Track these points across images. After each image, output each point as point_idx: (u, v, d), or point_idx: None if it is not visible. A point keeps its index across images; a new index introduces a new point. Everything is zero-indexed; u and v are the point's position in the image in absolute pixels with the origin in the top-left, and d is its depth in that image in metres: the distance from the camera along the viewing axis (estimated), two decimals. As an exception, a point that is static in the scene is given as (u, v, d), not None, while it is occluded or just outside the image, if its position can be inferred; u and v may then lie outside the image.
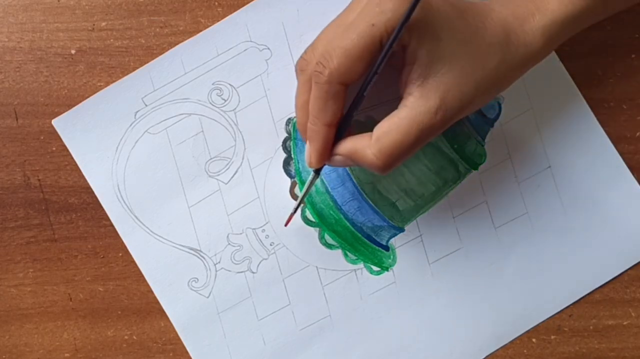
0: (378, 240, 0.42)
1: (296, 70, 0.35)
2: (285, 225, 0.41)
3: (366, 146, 0.32)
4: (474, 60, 0.32)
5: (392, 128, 0.32)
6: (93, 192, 0.42)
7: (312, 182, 0.36)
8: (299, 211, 0.41)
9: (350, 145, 0.33)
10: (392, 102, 0.33)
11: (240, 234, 0.42)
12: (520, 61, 0.33)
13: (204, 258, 0.42)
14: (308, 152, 0.34)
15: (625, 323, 0.42)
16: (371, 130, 0.33)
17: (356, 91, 0.33)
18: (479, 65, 0.32)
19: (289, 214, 0.39)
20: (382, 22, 0.30)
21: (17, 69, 0.41)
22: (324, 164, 0.35)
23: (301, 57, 0.34)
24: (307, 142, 0.34)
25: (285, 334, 0.42)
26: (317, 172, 0.36)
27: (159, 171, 0.41)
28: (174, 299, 0.42)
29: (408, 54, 0.32)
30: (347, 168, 0.41)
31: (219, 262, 0.42)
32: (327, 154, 0.34)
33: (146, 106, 0.41)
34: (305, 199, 0.41)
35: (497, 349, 0.42)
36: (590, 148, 0.42)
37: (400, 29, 0.30)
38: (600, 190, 0.42)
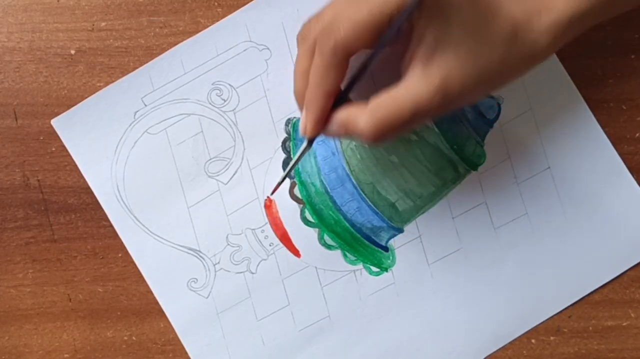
0: (377, 241, 0.41)
1: (298, 38, 0.35)
2: (271, 194, 0.40)
3: (359, 114, 0.32)
4: (479, 50, 0.32)
5: (388, 101, 0.32)
6: (92, 193, 0.41)
7: (303, 152, 0.36)
8: (286, 184, 0.41)
9: (344, 114, 0.33)
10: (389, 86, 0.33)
11: (240, 234, 0.42)
12: (525, 58, 0.33)
13: (203, 259, 0.42)
14: (303, 121, 0.34)
15: (624, 324, 0.42)
16: None
17: (356, 66, 0.33)
18: (484, 56, 0.32)
19: (276, 184, 0.39)
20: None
21: (16, 69, 0.41)
22: (318, 133, 0.34)
23: (304, 25, 0.34)
24: (304, 110, 0.34)
25: (284, 334, 0.42)
26: (310, 142, 0.35)
27: (158, 171, 0.41)
28: (173, 300, 0.42)
29: (415, 34, 0.32)
30: (347, 168, 0.41)
31: (218, 262, 0.42)
32: (322, 122, 0.34)
33: (145, 106, 0.41)
34: (304, 198, 0.41)
35: (497, 350, 0.42)
36: (590, 149, 0.42)
37: (413, 7, 0.29)
38: (600, 191, 0.42)
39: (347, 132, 0.33)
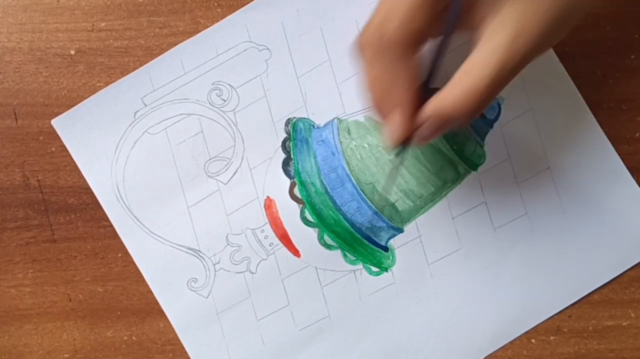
0: (377, 241, 0.42)
1: (356, 50, 0.32)
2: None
3: (444, 94, 0.30)
4: None
5: (470, 67, 0.29)
6: (92, 193, 0.42)
7: (397, 167, 0.34)
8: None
9: (429, 104, 0.31)
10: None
11: (240, 234, 0.42)
12: None
13: (203, 258, 0.42)
14: (389, 130, 0.32)
15: (624, 324, 0.42)
16: None
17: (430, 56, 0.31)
18: None
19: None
20: None
21: (16, 70, 0.41)
22: (409, 135, 0.32)
23: (358, 37, 0.32)
24: (385, 119, 0.32)
25: (284, 334, 0.42)
26: (403, 149, 0.33)
27: (158, 171, 0.41)
28: (173, 300, 0.42)
29: (474, 7, 0.30)
30: (347, 168, 0.41)
31: (218, 262, 0.42)
32: (409, 120, 0.31)
33: (145, 106, 0.41)
34: (303, 198, 0.41)
35: (496, 350, 0.42)
36: (590, 149, 0.42)
37: None
38: (600, 191, 0.42)
39: (440, 118, 0.31)
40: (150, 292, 0.42)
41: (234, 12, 0.41)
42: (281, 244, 0.42)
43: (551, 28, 0.30)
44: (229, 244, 0.42)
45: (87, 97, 0.41)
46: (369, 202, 0.41)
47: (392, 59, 0.30)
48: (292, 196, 0.42)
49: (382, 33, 0.30)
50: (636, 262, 0.42)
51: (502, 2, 0.29)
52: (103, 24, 0.41)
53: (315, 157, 0.41)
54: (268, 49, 0.41)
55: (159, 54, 0.41)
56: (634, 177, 0.42)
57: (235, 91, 0.41)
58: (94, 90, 0.41)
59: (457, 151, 0.41)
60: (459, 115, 0.30)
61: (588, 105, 0.41)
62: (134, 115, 0.41)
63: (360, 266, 0.42)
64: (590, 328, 0.42)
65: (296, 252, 0.42)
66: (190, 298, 0.42)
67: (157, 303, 0.42)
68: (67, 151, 0.41)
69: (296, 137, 0.41)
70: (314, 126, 0.42)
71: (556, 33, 0.31)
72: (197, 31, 0.41)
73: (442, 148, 0.41)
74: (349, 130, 0.41)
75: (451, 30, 0.30)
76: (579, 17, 0.31)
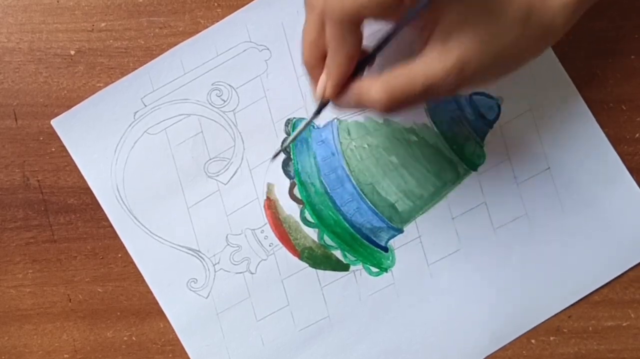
0: (377, 241, 0.41)
1: (305, 6, 0.34)
2: (272, 159, 0.41)
3: (373, 83, 0.32)
4: (495, 31, 0.32)
5: (402, 73, 0.32)
6: (92, 193, 0.42)
7: (314, 116, 0.36)
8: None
9: (358, 84, 0.33)
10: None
11: (239, 234, 0.42)
12: (540, 37, 0.33)
13: (202, 259, 0.42)
14: (322, 84, 0.34)
15: (624, 324, 0.42)
16: None
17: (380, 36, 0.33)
18: (500, 36, 0.32)
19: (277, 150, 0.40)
20: None
21: (16, 70, 0.41)
22: (334, 96, 0.34)
23: None
24: (325, 73, 0.34)
25: (284, 335, 0.42)
26: (323, 106, 0.35)
27: (158, 171, 0.41)
28: (172, 300, 0.42)
29: (433, 13, 0.31)
30: (347, 169, 0.41)
31: (218, 262, 0.42)
32: (340, 86, 0.34)
33: (145, 106, 0.41)
34: (303, 198, 0.41)
35: (496, 351, 0.42)
36: (590, 149, 0.42)
37: None
38: (599, 191, 0.42)
39: (360, 101, 0.33)
40: (150, 292, 0.42)
41: (234, 12, 0.41)
42: (281, 245, 0.42)
43: (487, 71, 0.32)
44: (228, 244, 0.42)
45: (87, 98, 0.41)
46: (369, 203, 0.41)
47: (345, 28, 0.32)
48: (292, 196, 0.42)
49: (335, 3, 0.31)
50: (636, 262, 0.42)
51: (452, 32, 0.31)
52: (103, 24, 0.41)
53: (315, 158, 0.41)
54: (268, 49, 0.41)
55: (158, 54, 0.41)
56: (633, 178, 0.42)
57: (235, 91, 0.41)
58: (94, 90, 0.41)
59: (456, 151, 0.41)
60: (375, 108, 0.33)
61: (588, 105, 0.41)
62: (134, 115, 0.41)
63: (360, 266, 0.42)
64: (590, 328, 0.42)
65: (296, 253, 0.42)
66: (190, 298, 0.42)
67: (157, 303, 0.42)
68: (67, 151, 0.41)
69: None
70: (313, 127, 0.42)
71: (494, 74, 0.33)
72: (197, 31, 0.41)
73: (441, 148, 0.41)
74: (349, 130, 0.41)
75: (407, 22, 0.31)
76: (519, 66, 0.33)
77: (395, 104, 0.32)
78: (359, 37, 0.32)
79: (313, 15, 0.33)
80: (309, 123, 0.36)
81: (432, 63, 0.31)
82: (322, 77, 0.34)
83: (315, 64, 0.34)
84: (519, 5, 0.32)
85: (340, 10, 0.31)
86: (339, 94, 0.34)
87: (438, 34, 0.32)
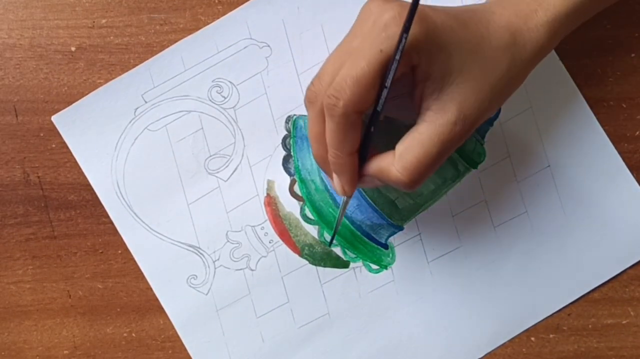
0: (377, 238, 0.42)
1: (305, 102, 0.34)
2: (329, 245, 0.41)
3: (390, 163, 0.32)
4: (485, 67, 0.32)
5: (413, 144, 0.32)
6: (92, 190, 0.42)
7: (345, 204, 0.37)
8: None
9: (375, 165, 0.33)
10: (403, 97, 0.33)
11: (239, 231, 0.42)
12: (529, 58, 0.33)
13: (203, 255, 0.42)
14: (339, 184, 0.34)
15: (624, 322, 0.42)
16: (391, 130, 0.33)
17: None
18: (490, 70, 0.32)
19: (330, 235, 0.41)
20: (390, 47, 0.30)
21: (17, 66, 0.41)
22: (355, 189, 0.34)
23: (308, 88, 0.33)
24: (335, 174, 0.34)
25: (283, 331, 0.42)
26: (347, 203, 0.36)
27: (159, 168, 0.41)
28: (172, 296, 0.42)
29: (419, 73, 0.31)
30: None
31: (218, 259, 0.42)
32: (356, 179, 0.34)
33: (146, 102, 0.41)
34: (304, 195, 0.41)
35: (496, 348, 0.42)
36: (590, 147, 0.42)
37: (401, 44, 0.29)
38: (600, 189, 0.42)
39: (384, 182, 0.33)
40: (150, 289, 0.42)
41: (234, 9, 0.41)
42: (281, 242, 0.42)
43: (488, 107, 0.32)
44: (228, 241, 0.42)
45: (87, 94, 0.41)
46: (369, 200, 0.41)
47: (341, 124, 0.31)
48: (292, 193, 0.42)
49: (333, 98, 0.31)
50: (636, 260, 0.42)
51: (443, 86, 0.31)
52: (104, 21, 0.41)
53: (315, 155, 0.41)
54: (269, 46, 0.41)
55: (159, 51, 0.41)
56: (633, 176, 0.42)
57: (236, 88, 0.41)
58: (95, 86, 0.41)
59: (457, 149, 0.41)
60: (398, 185, 0.33)
61: (588, 103, 0.41)
62: (134, 112, 0.41)
63: (360, 263, 0.42)
64: (590, 326, 0.42)
65: (296, 250, 0.42)
66: (190, 295, 0.42)
67: (157, 300, 0.42)
68: (67, 148, 0.41)
69: (296, 134, 0.41)
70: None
71: (491, 112, 0.33)
72: (197, 28, 0.41)
73: (442, 146, 0.41)
74: (349, 127, 0.41)
75: (384, 99, 0.31)
76: (517, 87, 0.34)
77: (419, 177, 0.32)
78: (359, 129, 0.32)
79: (314, 110, 0.33)
80: (345, 208, 0.37)
81: (436, 123, 0.31)
82: (335, 178, 0.34)
83: (326, 156, 0.34)
84: (500, 34, 0.32)
85: (343, 106, 0.31)
86: (356, 182, 0.34)
87: (430, 92, 0.31)
